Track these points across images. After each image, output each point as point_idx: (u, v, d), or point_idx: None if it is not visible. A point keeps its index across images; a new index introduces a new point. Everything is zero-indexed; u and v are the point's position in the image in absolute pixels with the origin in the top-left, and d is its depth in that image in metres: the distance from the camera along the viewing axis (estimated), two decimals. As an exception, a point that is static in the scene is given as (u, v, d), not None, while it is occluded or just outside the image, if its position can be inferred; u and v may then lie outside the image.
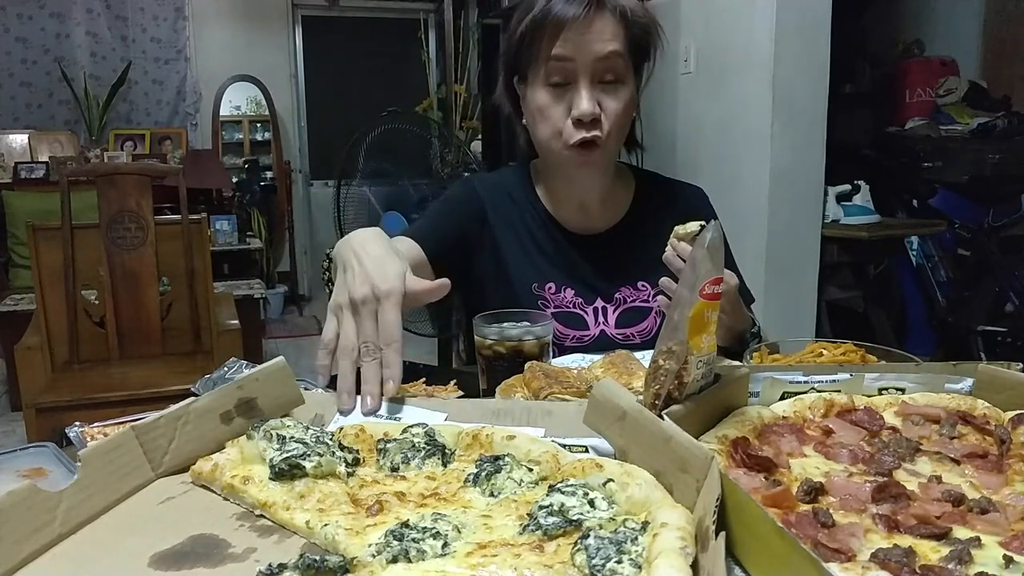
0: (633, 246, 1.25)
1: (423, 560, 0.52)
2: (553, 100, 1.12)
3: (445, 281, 0.88)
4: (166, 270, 2.57)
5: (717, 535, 0.46)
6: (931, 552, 0.52)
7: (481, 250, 1.24)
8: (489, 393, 0.91)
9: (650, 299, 1.23)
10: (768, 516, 0.48)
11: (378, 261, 0.85)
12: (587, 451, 0.67)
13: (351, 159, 3.21)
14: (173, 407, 0.70)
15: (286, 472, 0.64)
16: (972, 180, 3.18)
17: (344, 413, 0.78)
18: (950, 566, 0.50)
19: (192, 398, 0.71)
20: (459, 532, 0.54)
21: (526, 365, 0.90)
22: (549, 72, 1.11)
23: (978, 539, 0.53)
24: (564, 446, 0.67)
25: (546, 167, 1.25)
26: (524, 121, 1.22)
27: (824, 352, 0.92)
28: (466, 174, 3.38)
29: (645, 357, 0.94)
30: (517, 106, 1.22)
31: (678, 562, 0.46)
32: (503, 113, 1.27)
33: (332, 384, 0.88)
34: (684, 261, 0.98)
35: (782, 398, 0.77)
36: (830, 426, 0.72)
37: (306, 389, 0.86)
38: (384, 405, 0.80)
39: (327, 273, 1.06)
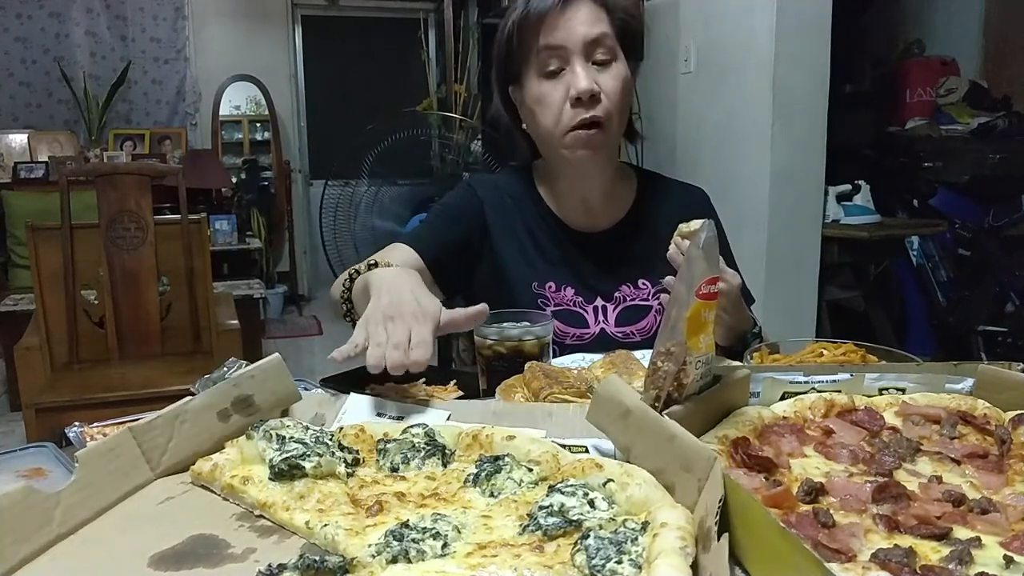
0: (634, 244, 1.25)
1: (423, 560, 0.52)
2: (550, 88, 1.13)
3: (483, 307, 0.91)
4: (166, 270, 2.57)
5: (719, 536, 0.46)
6: (931, 552, 0.52)
7: (481, 253, 1.25)
8: (489, 393, 0.91)
9: (650, 298, 1.23)
10: (770, 517, 0.48)
11: (415, 294, 0.88)
12: (587, 451, 0.67)
13: (353, 162, 3.22)
14: (170, 407, 0.70)
15: (286, 472, 0.64)
16: (972, 180, 3.18)
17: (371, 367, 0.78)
18: (950, 566, 0.49)
19: (188, 397, 0.71)
20: (459, 532, 0.54)
21: (526, 365, 0.90)
22: (542, 62, 1.13)
23: (978, 539, 0.53)
24: (564, 446, 0.67)
25: (548, 164, 1.25)
26: (524, 126, 1.23)
27: (824, 352, 0.92)
28: (466, 174, 3.38)
29: (645, 356, 0.94)
30: (515, 115, 1.24)
31: (678, 562, 0.46)
32: (502, 125, 1.28)
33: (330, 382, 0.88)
34: (687, 260, 0.98)
35: (782, 398, 0.77)
36: (830, 426, 0.72)
37: (305, 390, 0.86)
38: (388, 404, 0.80)
39: (347, 293, 1.05)
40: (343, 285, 1.06)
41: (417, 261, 1.17)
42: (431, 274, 1.18)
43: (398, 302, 0.86)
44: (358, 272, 1.04)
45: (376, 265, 1.03)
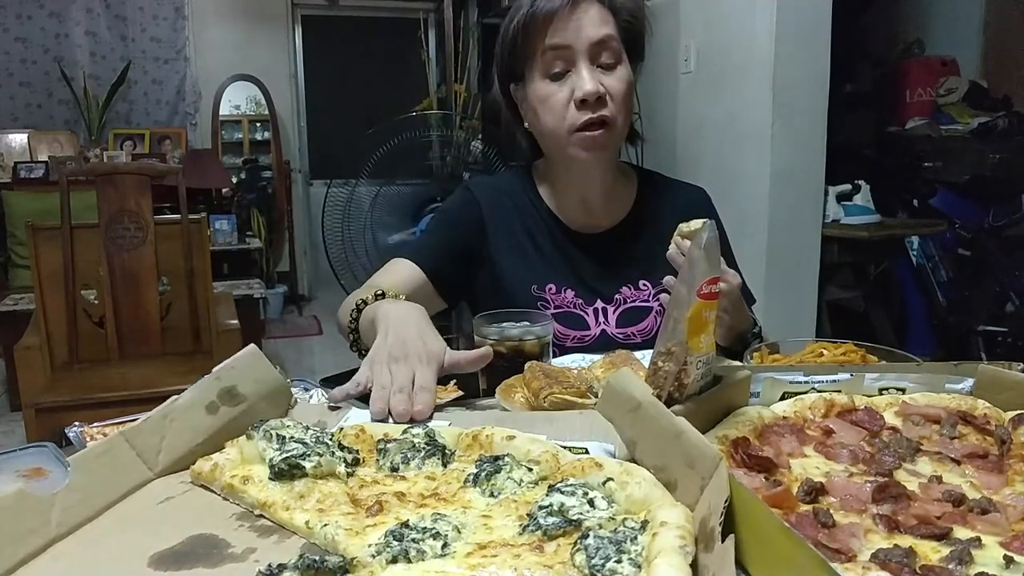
0: (635, 245, 1.25)
1: (423, 560, 0.52)
2: (554, 89, 1.13)
3: (487, 351, 0.91)
4: (166, 270, 2.57)
5: (724, 537, 0.46)
6: (931, 552, 0.52)
7: (481, 255, 1.24)
8: (489, 393, 0.91)
9: (650, 299, 1.23)
10: (774, 517, 0.48)
11: (421, 335, 0.88)
12: (587, 454, 0.67)
13: (353, 163, 3.23)
14: (157, 408, 0.70)
15: (286, 472, 0.64)
16: (972, 180, 3.18)
17: (374, 415, 0.79)
18: (950, 566, 0.49)
19: (174, 396, 0.72)
20: (459, 532, 0.54)
21: (526, 365, 0.90)
22: (547, 63, 1.12)
23: (978, 539, 0.53)
24: (563, 447, 0.67)
25: (550, 164, 1.25)
26: (525, 125, 1.22)
27: (824, 352, 0.92)
28: (466, 174, 3.39)
29: (645, 357, 0.94)
30: (516, 112, 1.23)
31: (677, 561, 0.46)
32: (503, 123, 1.28)
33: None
34: (688, 259, 0.98)
35: (782, 398, 0.77)
36: (830, 426, 0.72)
37: (305, 390, 0.86)
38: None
39: (354, 324, 1.05)
40: (350, 316, 1.06)
41: (418, 275, 1.18)
42: (432, 286, 1.19)
43: (403, 342, 0.86)
44: (365, 302, 1.04)
45: (383, 295, 1.03)
